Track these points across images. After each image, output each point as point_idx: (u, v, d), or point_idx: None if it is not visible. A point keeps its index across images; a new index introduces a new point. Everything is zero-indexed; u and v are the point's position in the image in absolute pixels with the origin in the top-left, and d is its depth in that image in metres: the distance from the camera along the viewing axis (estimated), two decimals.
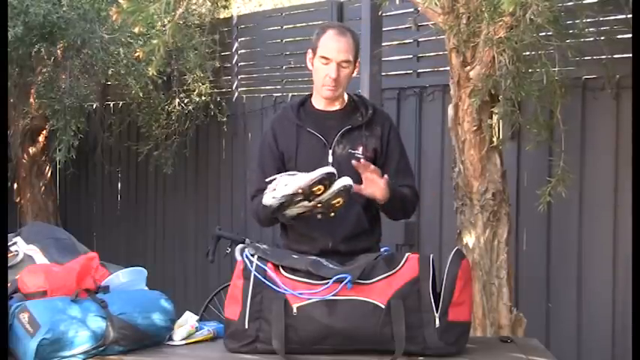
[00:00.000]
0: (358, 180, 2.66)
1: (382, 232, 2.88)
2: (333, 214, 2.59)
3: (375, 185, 2.63)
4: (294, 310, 2.37)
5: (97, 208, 7.27)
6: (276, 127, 2.86)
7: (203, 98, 5.87)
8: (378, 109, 2.91)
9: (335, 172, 2.50)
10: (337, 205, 2.54)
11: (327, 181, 2.48)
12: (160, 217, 6.62)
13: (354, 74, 2.83)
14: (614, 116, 3.67)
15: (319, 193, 2.49)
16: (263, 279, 2.41)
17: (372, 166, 2.62)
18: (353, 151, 2.77)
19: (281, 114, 2.97)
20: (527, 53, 3.13)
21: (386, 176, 2.64)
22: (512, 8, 2.50)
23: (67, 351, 2.32)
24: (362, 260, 2.46)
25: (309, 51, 2.83)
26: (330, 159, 2.76)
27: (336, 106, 2.84)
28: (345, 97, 2.85)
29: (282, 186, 2.52)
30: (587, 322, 3.82)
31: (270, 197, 2.55)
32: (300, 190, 2.49)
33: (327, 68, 2.74)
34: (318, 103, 2.86)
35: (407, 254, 2.50)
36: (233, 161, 6.00)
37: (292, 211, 2.58)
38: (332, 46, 2.75)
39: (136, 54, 3.00)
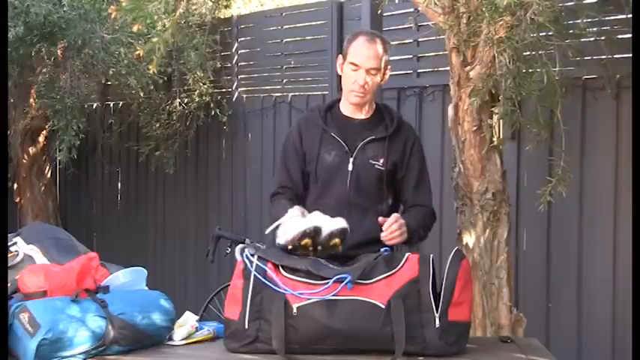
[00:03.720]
0: (374, 193, 2.76)
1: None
2: (334, 251, 2.54)
3: (394, 238, 2.64)
4: (294, 310, 2.37)
5: (97, 208, 7.27)
6: (302, 127, 2.90)
7: (204, 98, 5.87)
8: (405, 121, 2.92)
9: (319, 226, 2.45)
10: (335, 245, 2.48)
11: (311, 234, 2.44)
12: (160, 217, 6.62)
13: (384, 80, 2.84)
14: (614, 116, 3.67)
15: (307, 245, 2.45)
16: (263, 279, 2.41)
17: (391, 221, 2.61)
18: (373, 162, 2.79)
19: (308, 115, 3.00)
20: (528, 53, 3.13)
21: (400, 220, 2.62)
22: (506, 1, 2.49)
23: (67, 351, 2.32)
24: (362, 260, 2.46)
25: (340, 57, 2.85)
26: (350, 167, 2.78)
27: (363, 114, 2.86)
28: (373, 105, 2.87)
29: (283, 232, 2.51)
30: (587, 322, 3.82)
31: (278, 240, 2.55)
32: (289, 246, 2.48)
33: (356, 75, 2.76)
34: (346, 108, 2.87)
35: (407, 254, 2.50)
36: (233, 161, 6.00)
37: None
38: (361, 52, 2.77)
39: (137, 52, 3.00)
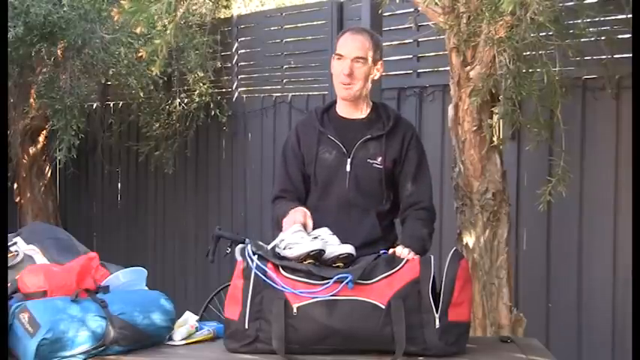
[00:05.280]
0: (374, 193, 2.75)
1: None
2: None
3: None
4: (295, 310, 2.37)
5: (97, 208, 7.27)
6: (300, 130, 2.90)
7: (203, 98, 5.87)
8: (402, 118, 2.91)
9: (324, 249, 2.45)
10: (338, 267, 2.47)
11: (315, 256, 2.44)
12: (160, 217, 6.62)
13: (376, 77, 2.83)
14: (614, 116, 3.67)
15: (310, 264, 2.45)
16: (263, 276, 2.41)
17: (398, 253, 2.55)
18: (371, 161, 2.78)
19: (306, 118, 3.01)
20: (528, 53, 3.13)
21: (404, 251, 2.55)
22: (511, 7, 2.49)
23: (67, 351, 2.32)
24: (362, 261, 2.46)
25: (332, 57, 2.85)
26: (348, 168, 2.77)
27: (359, 114, 2.85)
28: (370, 104, 2.86)
29: (286, 246, 2.50)
30: (587, 322, 3.82)
31: (278, 251, 2.55)
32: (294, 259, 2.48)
33: (341, 64, 2.77)
34: (342, 109, 2.87)
35: None
36: (233, 161, 6.00)
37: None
38: (346, 43, 2.79)
39: (139, 54, 3.00)
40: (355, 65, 2.76)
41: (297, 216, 2.62)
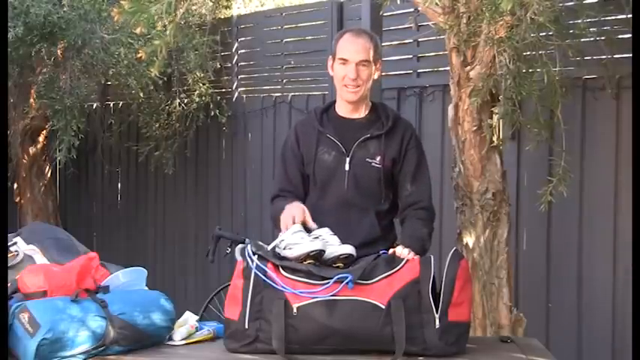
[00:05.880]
0: (373, 193, 2.76)
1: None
2: None
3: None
4: (295, 310, 2.37)
5: (97, 208, 7.27)
6: (299, 130, 2.90)
7: (203, 98, 5.87)
8: (401, 118, 2.92)
9: (324, 250, 2.45)
10: (338, 267, 2.47)
11: (315, 256, 2.44)
12: (160, 217, 6.62)
13: (376, 76, 2.84)
14: (614, 116, 3.67)
15: (310, 264, 2.45)
16: (263, 276, 2.41)
17: (397, 253, 2.54)
18: (370, 161, 2.78)
19: (305, 118, 3.02)
20: (528, 53, 3.13)
21: (404, 251, 2.54)
22: (510, 6, 2.49)
23: (67, 351, 2.32)
24: (362, 261, 2.46)
25: (330, 58, 2.85)
26: (347, 167, 2.77)
27: (359, 114, 2.85)
28: (369, 104, 2.86)
29: (285, 246, 2.50)
30: (587, 321, 3.82)
31: (278, 250, 2.55)
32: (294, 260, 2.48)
33: (346, 69, 2.77)
34: (341, 109, 2.87)
35: None
36: (233, 161, 6.00)
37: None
38: (349, 47, 2.79)
39: (138, 55, 3.00)
40: (361, 69, 2.76)
41: (295, 211, 2.62)
